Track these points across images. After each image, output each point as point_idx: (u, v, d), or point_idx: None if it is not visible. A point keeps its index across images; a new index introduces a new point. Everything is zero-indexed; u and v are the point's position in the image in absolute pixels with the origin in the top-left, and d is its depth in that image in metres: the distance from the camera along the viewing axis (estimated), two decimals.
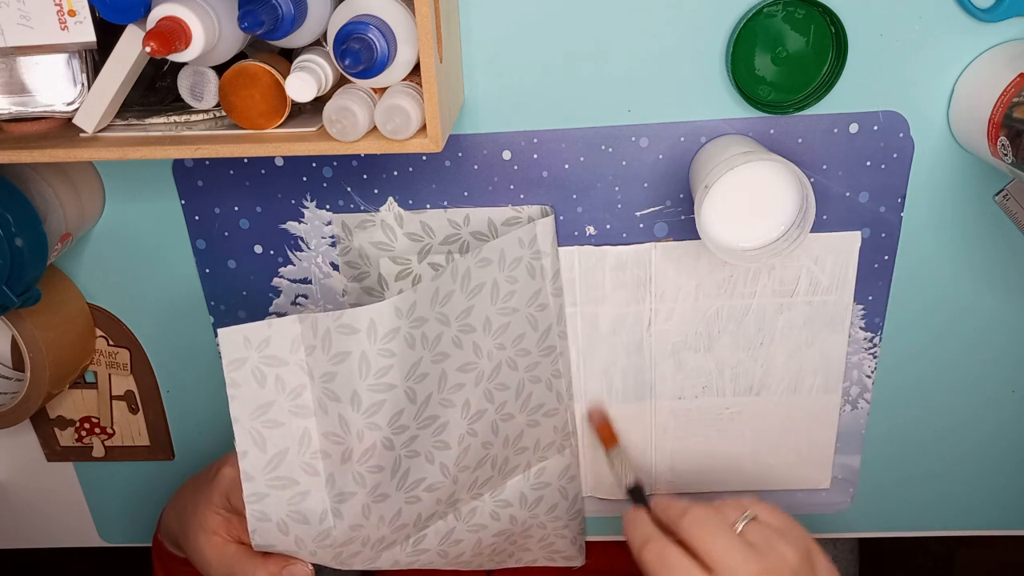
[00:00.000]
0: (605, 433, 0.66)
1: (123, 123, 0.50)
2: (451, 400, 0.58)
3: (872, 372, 0.65)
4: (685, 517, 0.50)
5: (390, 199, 0.61)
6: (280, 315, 0.62)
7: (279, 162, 0.60)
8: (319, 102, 0.48)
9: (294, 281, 0.64)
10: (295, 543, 0.55)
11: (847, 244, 0.60)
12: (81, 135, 0.49)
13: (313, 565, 0.56)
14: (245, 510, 0.53)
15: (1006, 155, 0.49)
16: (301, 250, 0.63)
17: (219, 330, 0.51)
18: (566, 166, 0.59)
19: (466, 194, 0.60)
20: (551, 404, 0.64)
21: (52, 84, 0.49)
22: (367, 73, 0.46)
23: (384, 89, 0.48)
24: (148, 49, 0.40)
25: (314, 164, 0.60)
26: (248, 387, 0.52)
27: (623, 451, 0.65)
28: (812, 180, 0.58)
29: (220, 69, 0.48)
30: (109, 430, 0.72)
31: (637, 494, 0.61)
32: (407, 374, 0.55)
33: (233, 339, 0.51)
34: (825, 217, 0.59)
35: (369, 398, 0.54)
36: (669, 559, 0.49)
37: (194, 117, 0.51)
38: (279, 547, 0.55)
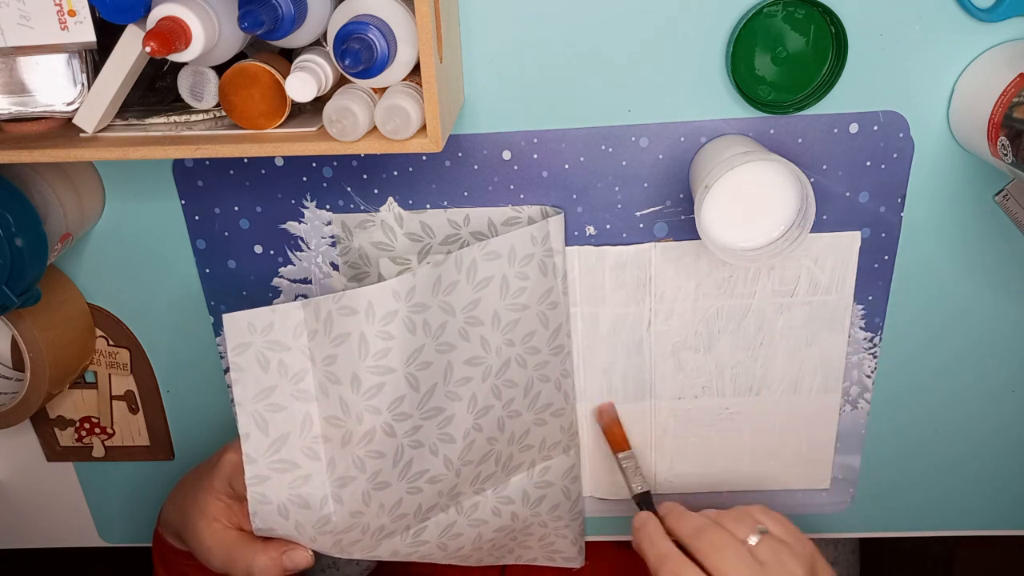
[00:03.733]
0: (615, 435, 0.66)
1: (123, 123, 0.50)
2: (457, 393, 0.59)
3: (872, 372, 0.65)
4: (701, 539, 0.54)
5: (390, 199, 0.61)
6: None
7: (279, 162, 0.60)
8: (319, 102, 0.48)
9: (294, 281, 0.64)
10: (295, 528, 0.55)
11: (847, 244, 0.60)
12: (81, 135, 0.49)
13: (313, 552, 0.57)
14: (246, 494, 0.54)
15: (1006, 155, 0.49)
16: (301, 250, 0.63)
17: (224, 315, 0.52)
18: (566, 166, 0.59)
19: (466, 194, 0.60)
20: (559, 404, 0.64)
21: (52, 84, 0.49)
22: (367, 73, 0.46)
23: (384, 89, 0.48)
24: (148, 49, 0.40)
25: (314, 164, 0.60)
26: (251, 371, 0.53)
27: (633, 456, 0.65)
28: (812, 180, 0.58)
29: (220, 69, 0.48)
30: (109, 430, 0.72)
31: (645, 501, 0.62)
32: (407, 359, 0.55)
33: (238, 324, 0.52)
34: (825, 217, 0.59)
35: (368, 380, 0.54)
36: None
37: (194, 117, 0.51)
38: (279, 531, 0.55)
